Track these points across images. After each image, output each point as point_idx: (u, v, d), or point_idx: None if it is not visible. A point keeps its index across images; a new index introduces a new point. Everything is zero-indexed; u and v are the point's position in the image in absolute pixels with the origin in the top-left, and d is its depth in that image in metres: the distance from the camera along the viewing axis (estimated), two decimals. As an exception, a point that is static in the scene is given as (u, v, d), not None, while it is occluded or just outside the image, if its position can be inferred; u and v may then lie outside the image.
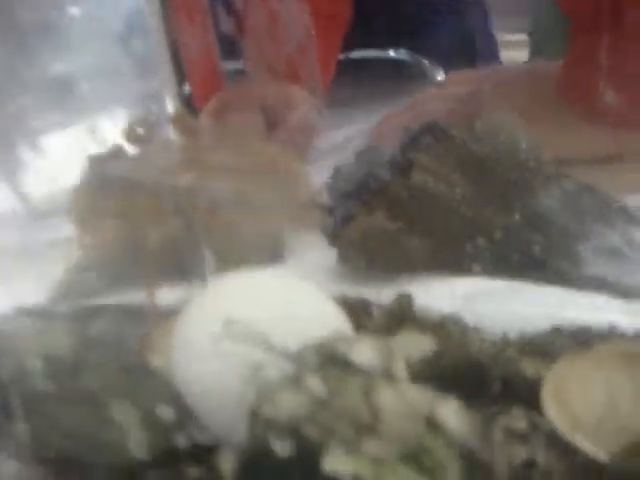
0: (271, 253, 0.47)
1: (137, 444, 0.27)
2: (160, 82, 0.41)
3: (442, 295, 0.41)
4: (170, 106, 0.41)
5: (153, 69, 0.41)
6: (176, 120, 0.41)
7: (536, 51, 1.31)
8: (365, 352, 0.23)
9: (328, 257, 0.45)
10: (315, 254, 0.46)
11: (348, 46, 1.02)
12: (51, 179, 0.46)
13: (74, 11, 0.38)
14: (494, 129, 0.45)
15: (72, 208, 0.45)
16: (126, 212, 0.42)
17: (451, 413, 0.22)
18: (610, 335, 0.35)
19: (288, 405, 0.22)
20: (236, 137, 0.41)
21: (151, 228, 0.40)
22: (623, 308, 0.41)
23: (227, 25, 0.72)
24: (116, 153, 0.45)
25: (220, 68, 0.73)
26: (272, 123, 0.72)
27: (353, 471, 0.20)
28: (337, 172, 0.48)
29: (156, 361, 0.30)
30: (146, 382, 0.28)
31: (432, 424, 0.22)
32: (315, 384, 0.22)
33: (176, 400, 0.27)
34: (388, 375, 0.23)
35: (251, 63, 0.71)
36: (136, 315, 0.36)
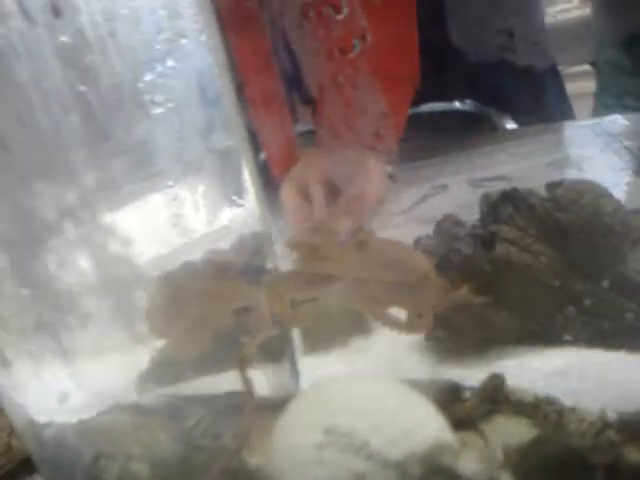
0: (357, 327, 0.47)
1: None
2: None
3: (534, 371, 0.40)
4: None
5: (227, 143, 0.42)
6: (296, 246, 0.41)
7: (601, 81, 1.28)
8: (471, 463, 0.23)
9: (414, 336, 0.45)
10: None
11: (415, 101, 1.03)
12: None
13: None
14: (576, 195, 0.45)
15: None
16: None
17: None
18: None
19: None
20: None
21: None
22: None
23: (303, 114, 0.74)
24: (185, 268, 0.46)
25: (295, 150, 0.75)
26: (336, 192, 0.73)
27: None
28: (417, 245, 0.48)
29: (255, 460, 0.30)
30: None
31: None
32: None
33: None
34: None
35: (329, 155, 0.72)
36: (229, 406, 0.36)
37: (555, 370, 0.40)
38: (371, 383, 0.28)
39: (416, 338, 0.45)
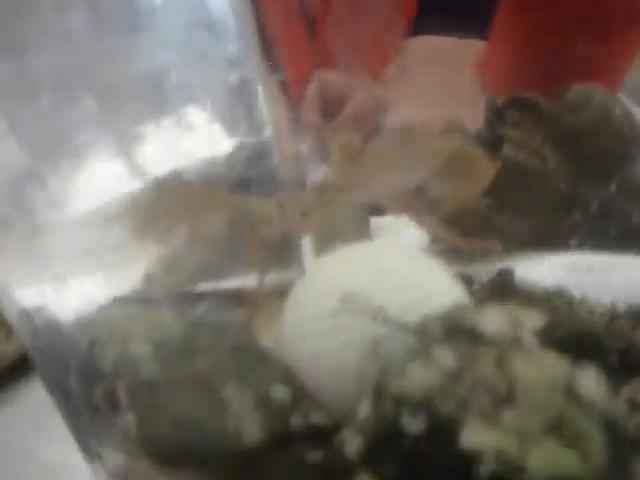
0: (362, 234, 0.46)
1: (252, 428, 0.27)
2: (252, 69, 0.40)
3: (541, 270, 0.40)
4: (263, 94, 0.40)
5: (244, 56, 0.40)
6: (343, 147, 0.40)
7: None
8: (494, 321, 0.22)
9: (419, 238, 0.44)
10: (405, 235, 0.45)
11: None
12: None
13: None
14: (585, 97, 0.44)
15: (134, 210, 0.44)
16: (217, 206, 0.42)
17: (591, 382, 0.21)
18: None
19: (419, 379, 0.21)
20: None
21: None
22: None
23: (309, 3, 0.72)
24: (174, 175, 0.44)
25: (309, 52, 0.72)
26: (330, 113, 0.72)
27: (495, 445, 0.19)
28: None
29: (264, 342, 0.29)
30: (258, 363, 0.27)
31: (572, 393, 0.21)
32: (446, 356, 0.21)
33: (290, 380, 0.26)
34: (519, 344, 0.22)
35: (335, 43, 0.70)
36: (239, 299, 0.35)
37: (562, 269, 0.40)
38: (386, 249, 0.27)
39: (420, 241, 0.44)
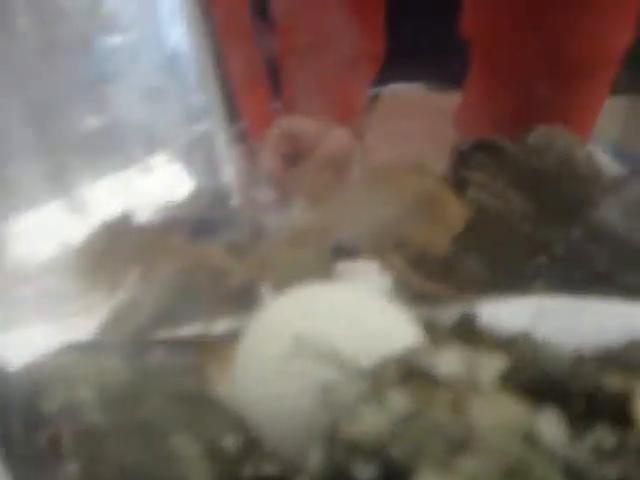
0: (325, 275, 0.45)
1: (201, 478, 0.25)
2: (212, 121, 0.40)
3: (506, 314, 0.39)
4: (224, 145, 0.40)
5: (204, 108, 0.40)
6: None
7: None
8: (451, 363, 0.21)
9: (384, 282, 0.43)
10: (369, 279, 0.44)
11: (379, 81, 1.02)
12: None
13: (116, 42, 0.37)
14: (548, 140, 0.44)
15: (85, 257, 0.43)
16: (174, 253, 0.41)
17: (552, 427, 0.20)
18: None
19: (371, 424, 0.20)
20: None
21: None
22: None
23: (269, 44, 0.71)
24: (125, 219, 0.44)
25: (270, 99, 0.72)
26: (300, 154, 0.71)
27: (450, 493, 0.18)
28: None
29: (216, 390, 0.28)
30: (207, 411, 0.26)
31: (532, 439, 0.20)
32: (399, 400, 0.20)
33: (242, 428, 0.25)
34: (476, 386, 0.21)
35: (294, 84, 0.70)
36: (192, 347, 0.34)
37: (527, 313, 0.39)
38: (343, 289, 0.26)
39: (387, 288, 0.43)
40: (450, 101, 0.75)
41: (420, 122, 0.75)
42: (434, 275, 0.42)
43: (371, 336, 0.24)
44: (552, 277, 0.42)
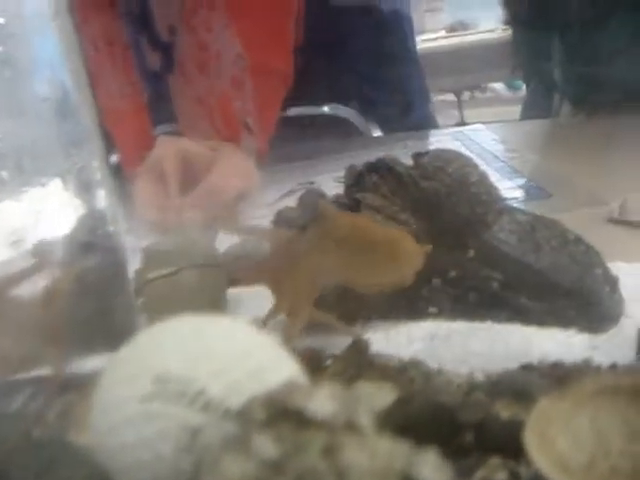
0: (212, 310, 0.43)
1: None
2: (87, 154, 0.38)
3: (399, 341, 0.38)
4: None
5: (80, 137, 0.38)
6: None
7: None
8: (324, 403, 0.20)
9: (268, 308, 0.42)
10: (261, 306, 0.42)
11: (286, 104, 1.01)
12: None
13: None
14: (442, 163, 0.43)
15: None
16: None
17: (430, 467, 0.19)
18: (586, 369, 0.32)
19: (234, 472, 0.18)
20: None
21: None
22: (591, 343, 0.38)
23: (153, 61, 0.69)
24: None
25: (149, 127, 0.70)
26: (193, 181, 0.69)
27: None
28: (279, 217, 0.45)
29: (78, 436, 0.25)
30: (62, 457, 0.23)
31: (408, 482, 0.18)
32: (265, 444, 0.18)
33: (100, 476, 0.22)
34: (352, 428, 0.20)
35: (181, 102, 0.68)
36: (59, 387, 0.31)
37: (421, 338, 0.38)
38: (212, 323, 0.24)
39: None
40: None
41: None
42: (327, 302, 0.41)
43: (243, 374, 0.22)
44: (446, 301, 0.42)
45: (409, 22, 1.14)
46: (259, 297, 0.43)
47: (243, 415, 0.20)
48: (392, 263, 0.37)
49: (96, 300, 0.39)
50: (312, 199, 0.45)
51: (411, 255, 0.36)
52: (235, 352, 0.22)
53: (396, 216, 0.42)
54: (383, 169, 0.44)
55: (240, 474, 0.18)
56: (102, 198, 0.38)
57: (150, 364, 0.22)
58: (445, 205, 0.42)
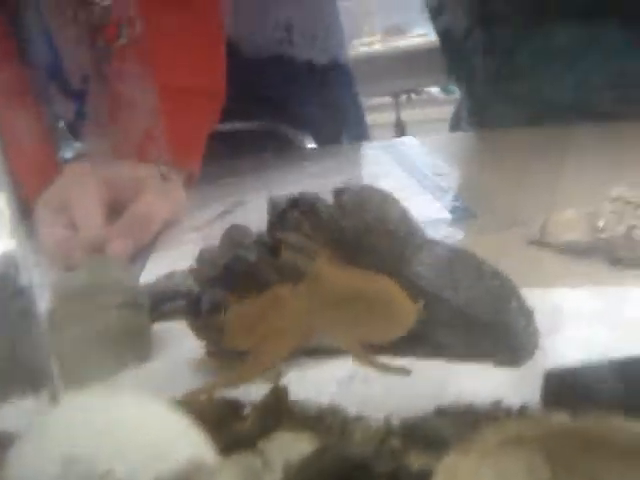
0: (134, 352, 0.43)
1: None
2: None
3: (319, 382, 0.39)
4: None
5: None
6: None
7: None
8: (234, 477, 0.20)
9: (198, 349, 0.42)
10: (185, 347, 0.42)
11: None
12: None
13: None
14: (361, 200, 0.44)
15: None
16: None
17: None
18: (495, 412, 0.33)
19: None
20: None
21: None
22: (508, 378, 0.40)
23: (65, 109, 0.68)
24: None
25: (55, 159, 0.68)
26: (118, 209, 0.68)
27: None
28: (201, 257, 0.45)
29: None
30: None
31: None
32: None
33: None
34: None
35: (93, 151, 0.67)
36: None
37: (340, 380, 0.39)
38: (117, 401, 0.24)
39: (196, 349, 0.42)
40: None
41: None
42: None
43: (150, 453, 0.22)
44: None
45: (341, 34, 1.15)
46: (185, 336, 0.44)
47: (147, 498, 0.20)
48: (387, 322, 0.38)
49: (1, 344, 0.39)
50: (235, 237, 0.46)
51: (406, 313, 0.37)
52: (140, 429, 0.23)
53: (317, 254, 0.43)
54: (305, 205, 0.45)
55: None
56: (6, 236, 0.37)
57: (59, 443, 0.22)
58: (364, 243, 0.43)
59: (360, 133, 1.17)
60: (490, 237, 0.65)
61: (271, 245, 0.43)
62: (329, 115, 1.09)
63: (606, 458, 0.27)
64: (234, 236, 0.45)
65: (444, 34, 1.04)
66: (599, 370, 0.31)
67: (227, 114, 0.96)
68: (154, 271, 0.55)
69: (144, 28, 0.62)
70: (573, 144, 0.84)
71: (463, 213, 0.71)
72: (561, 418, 0.28)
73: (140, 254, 0.62)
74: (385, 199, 0.45)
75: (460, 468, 0.27)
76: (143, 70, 0.62)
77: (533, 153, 0.88)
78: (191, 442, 0.24)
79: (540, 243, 0.61)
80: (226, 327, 0.40)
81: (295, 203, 0.45)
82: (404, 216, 0.45)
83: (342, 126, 1.10)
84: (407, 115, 3.40)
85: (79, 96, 0.69)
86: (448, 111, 1.37)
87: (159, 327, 0.48)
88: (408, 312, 0.37)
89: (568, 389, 0.31)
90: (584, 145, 0.84)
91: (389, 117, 3.32)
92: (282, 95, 1.05)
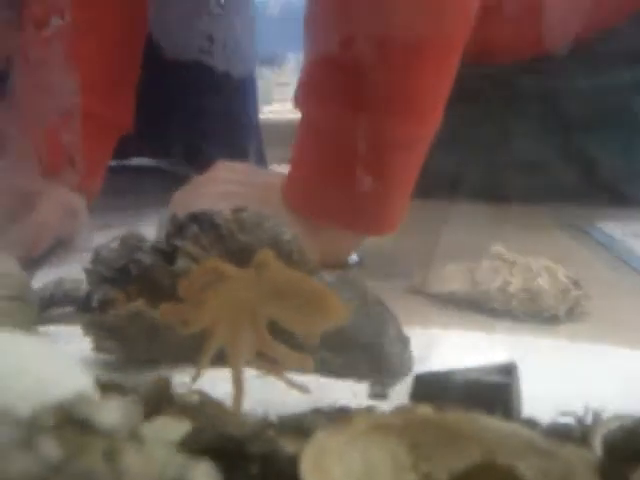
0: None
1: None
2: None
3: (210, 381, 0.40)
4: None
5: None
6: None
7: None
8: (110, 413, 0.21)
9: (83, 347, 0.42)
10: (70, 344, 0.43)
11: (128, 153, 1.01)
12: None
13: None
14: (259, 219, 0.46)
15: None
16: None
17: (202, 475, 0.21)
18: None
19: (19, 469, 0.19)
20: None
21: None
22: (379, 395, 0.42)
23: None
24: None
25: None
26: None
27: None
28: (97, 256, 0.46)
29: None
30: None
31: (182, 485, 0.20)
32: (50, 446, 0.20)
33: None
34: (135, 437, 0.21)
35: (8, 133, 0.67)
36: None
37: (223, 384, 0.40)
38: (9, 336, 0.25)
39: (85, 350, 0.42)
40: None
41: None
42: (136, 341, 0.42)
43: (35, 381, 0.23)
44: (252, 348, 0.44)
45: (252, 84, 1.18)
46: (72, 335, 0.44)
47: (32, 420, 0.21)
48: (321, 316, 0.39)
49: None
50: (132, 241, 0.47)
51: (338, 311, 0.39)
52: (23, 362, 0.23)
53: (211, 266, 0.45)
54: (204, 221, 0.47)
55: (25, 472, 0.19)
56: None
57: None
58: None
59: (260, 151, 1.19)
60: (375, 284, 0.68)
61: (168, 252, 0.45)
62: (238, 128, 1.12)
63: (463, 449, 0.30)
64: (130, 240, 0.46)
65: None
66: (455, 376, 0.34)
67: (142, 149, 0.97)
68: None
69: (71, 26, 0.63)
70: (455, 215, 0.90)
71: (351, 260, 0.75)
72: (425, 410, 0.30)
73: (28, 265, 0.62)
74: (280, 224, 0.48)
75: (328, 447, 0.28)
76: (66, 64, 0.63)
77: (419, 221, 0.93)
78: (75, 378, 0.25)
79: (419, 292, 0.65)
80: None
81: (195, 218, 0.47)
82: (296, 241, 0.48)
83: (248, 142, 1.13)
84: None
85: (1, 77, 0.69)
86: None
87: (46, 330, 0.47)
88: (340, 309, 0.39)
89: (433, 390, 0.33)
90: (466, 216, 0.89)
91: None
92: (197, 103, 1.06)
